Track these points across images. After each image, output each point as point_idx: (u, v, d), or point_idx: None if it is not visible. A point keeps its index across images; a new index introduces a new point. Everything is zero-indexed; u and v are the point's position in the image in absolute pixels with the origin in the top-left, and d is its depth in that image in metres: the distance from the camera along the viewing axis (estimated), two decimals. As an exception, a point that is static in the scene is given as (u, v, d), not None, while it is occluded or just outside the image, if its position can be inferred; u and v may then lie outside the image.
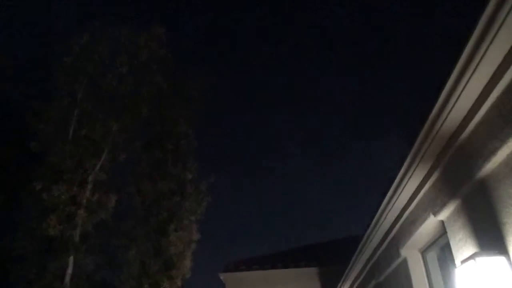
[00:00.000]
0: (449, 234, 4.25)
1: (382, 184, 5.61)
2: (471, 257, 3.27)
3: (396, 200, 5.32)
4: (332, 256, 14.01)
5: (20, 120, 10.00)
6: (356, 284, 9.60)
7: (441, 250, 5.36)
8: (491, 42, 2.77)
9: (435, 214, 4.42)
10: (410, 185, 4.83)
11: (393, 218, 5.91)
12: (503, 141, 2.99)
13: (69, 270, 8.18)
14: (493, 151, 3.11)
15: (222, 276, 14.96)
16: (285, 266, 15.28)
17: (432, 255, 5.63)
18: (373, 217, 6.35)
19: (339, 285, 10.69)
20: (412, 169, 4.52)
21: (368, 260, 8.08)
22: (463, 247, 3.89)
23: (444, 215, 4.26)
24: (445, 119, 3.55)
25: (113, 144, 9.82)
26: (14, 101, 10.88)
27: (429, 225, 4.82)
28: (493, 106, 3.09)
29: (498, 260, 3.17)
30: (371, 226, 6.62)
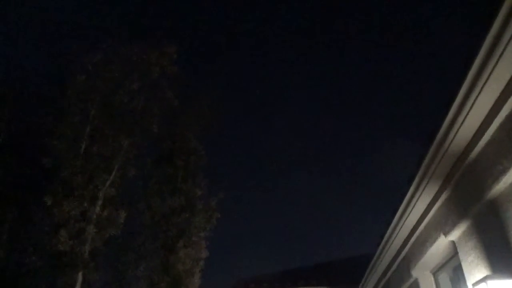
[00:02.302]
0: (460, 255, 4.15)
1: (392, 202, 5.55)
2: (483, 280, 3.18)
3: (406, 219, 5.24)
4: (342, 275, 13.76)
5: (34, 137, 10.21)
6: (367, 305, 9.39)
7: (453, 271, 5.22)
8: (498, 60, 2.75)
9: (446, 234, 4.33)
10: (420, 204, 4.75)
11: (403, 238, 5.81)
12: (512, 161, 2.93)
13: (78, 286, 8.16)
14: (503, 171, 3.06)
15: (231, 294, 14.79)
16: (295, 285, 15.03)
17: (444, 276, 5.49)
18: (383, 237, 6.25)
19: (350, 305, 10.45)
20: (421, 189, 4.46)
21: (379, 280, 7.92)
22: (474, 269, 3.79)
23: (455, 235, 4.17)
24: (453, 138, 3.51)
25: (124, 160, 9.90)
26: (27, 118, 11.11)
27: (440, 245, 4.72)
28: (502, 126, 3.05)
29: (510, 284, 3.08)
30: (381, 245, 6.51)
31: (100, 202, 9.01)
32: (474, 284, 3.30)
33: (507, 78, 2.87)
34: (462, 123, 3.33)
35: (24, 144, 10.55)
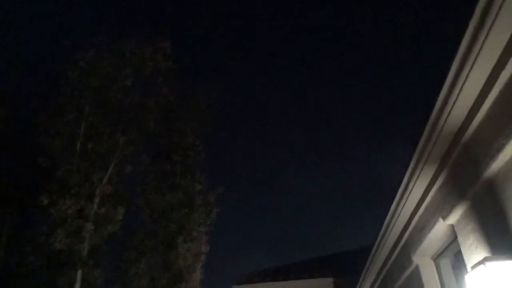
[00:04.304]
0: (459, 238, 4.04)
1: (391, 190, 5.44)
2: (481, 262, 3.07)
3: (404, 205, 5.14)
4: (346, 266, 13.71)
5: (30, 136, 10.14)
6: (370, 295, 9.31)
7: (454, 256, 5.12)
8: (487, 34, 2.63)
9: (444, 218, 4.22)
10: (417, 189, 4.65)
11: (403, 225, 5.71)
12: (509, 137, 2.81)
13: (77, 285, 8.12)
14: (499, 149, 2.94)
15: (235, 289, 14.79)
16: (299, 278, 15.03)
17: (445, 262, 5.38)
18: (382, 224, 6.15)
19: (353, 296, 10.38)
20: (417, 172, 4.35)
21: (381, 269, 7.84)
22: (474, 252, 3.69)
23: (453, 219, 4.06)
24: (447, 117, 3.40)
25: (121, 157, 9.83)
26: (23, 118, 11.05)
27: (439, 230, 4.61)
28: (496, 101, 2.93)
29: (509, 265, 2.97)
30: (381, 233, 6.42)
31: (97, 200, 8.95)
32: (473, 267, 3.19)
33: (499, 52, 2.74)
34: (455, 101, 3.22)
35: (20, 143, 10.49)
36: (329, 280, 14.65)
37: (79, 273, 8.25)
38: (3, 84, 10.61)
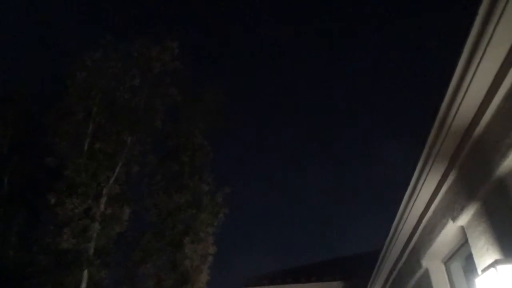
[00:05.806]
0: (470, 240, 3.88)
1: (399, 191, 5.28)
2: (492, 265, 2.93)
3: (412, 206, 4.97)
4: (356, 270, 13.49)
5: (38, 137, 10.23)
6: (379, 299, 9.11)
7: (466, 260, 4.93)
8: (496, 25, 2.49)
9: (454, 219, 4.05)
10: (426, 189, 4.48)
11: (412, 227, 5.54)
12: (521, 133, 2.66)
13: (83, 285, 8.11)
14: (511, 146, 2.79)
15: (244, 291, 14.68)
16: (308, 281, 14.83)
17: (456, 266, 5.20)
18: (390, 226, 5.99)
19: (362, 300, 10.18)
20: (426, 172, 4.19)
21: (390, 273, 7.65)
22: (485, 255, 3.52)
23: (463, 220, 3.90)
24: (456, 113, 3.25)
25: (128, 157, 9.84)
26: (31, 118, 11.15)
27: (449, 232, 4.44)
28: (508, 95, 2.78)
29: (522, 268, 2.81)
30: (389, 236, 6.24)
31: (104, 199, 8.96)
32: (483, 270, 3.05)
33: (510, 42, 2.60)
34: (464, 95, 3.07)
35: (28, 143, 10.60)
36: (339, 284, 14.43)
37: (85, 272, 8.26)
38: (12, 85, 10.76)
